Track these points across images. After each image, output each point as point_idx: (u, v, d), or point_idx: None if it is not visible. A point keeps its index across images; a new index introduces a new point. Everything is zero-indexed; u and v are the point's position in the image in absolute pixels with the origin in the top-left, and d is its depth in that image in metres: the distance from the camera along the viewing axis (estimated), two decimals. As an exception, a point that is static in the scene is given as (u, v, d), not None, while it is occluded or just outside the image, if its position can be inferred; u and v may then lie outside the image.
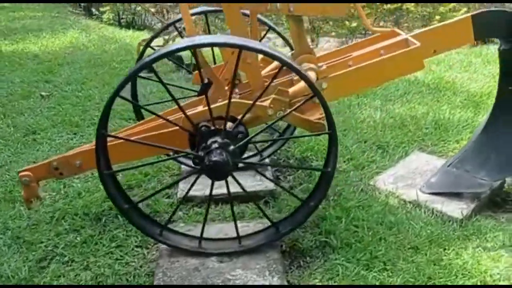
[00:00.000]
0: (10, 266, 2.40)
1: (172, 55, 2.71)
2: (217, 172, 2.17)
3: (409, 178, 3.07)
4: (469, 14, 2.56)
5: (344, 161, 3.34)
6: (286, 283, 2.24)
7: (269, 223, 2.44)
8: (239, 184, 2.34)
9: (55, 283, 2.31)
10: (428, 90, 4.65)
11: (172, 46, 2.11)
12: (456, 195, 2.84)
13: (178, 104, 2.25)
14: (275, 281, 2.23)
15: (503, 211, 2.87)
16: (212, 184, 2.33)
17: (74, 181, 3.09)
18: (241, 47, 2.07)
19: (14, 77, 5.15)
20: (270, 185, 2.93)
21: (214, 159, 2.13)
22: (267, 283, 2.22)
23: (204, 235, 2.44)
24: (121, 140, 2.27)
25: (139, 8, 8.56)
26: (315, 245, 2.51)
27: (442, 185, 2.89)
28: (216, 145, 2.18)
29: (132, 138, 2.29)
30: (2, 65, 5.58)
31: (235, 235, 2.43)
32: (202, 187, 2.91)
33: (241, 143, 2.23)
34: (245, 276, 2.27)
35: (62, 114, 4.10)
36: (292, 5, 2.44)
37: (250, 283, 2.22)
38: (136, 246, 2.54)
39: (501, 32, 2.64)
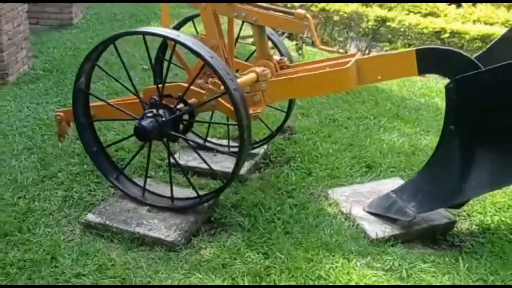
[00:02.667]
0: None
1: (122, 37, 2.96)
2: (140, 135, 2.71)
3: (365, 197, 3.20)
4: (414, 48, 2.66)
5: (322, 169, 3.57)
6: (179, 239, 2.71)
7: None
8: (170, 155, 2.89)
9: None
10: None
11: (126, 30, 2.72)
12: (392, 219, 2.93)
13: (130, 79, 2.87)
14: (172, 235, 2.72)
15: (434, 247, 2.88)
16: (169, 153, 2.93)
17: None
18: (172, 40, 2.59)
19: (134, 51, 6.28)
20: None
21: (141, 123, 2.69)
22: (166, 235, 2.72)
23: (152, 190, 3.04)
24: (103, 103, 2.99)
25: None
26: (231, 223, 2.92)
27: (378, 206, 2.99)
28: (150, 114, 2.74)
29: (109, 102, 2.99)
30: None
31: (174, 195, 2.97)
32: (191, 158, 3.54)
33: (171, 116, 2.74)
34: (155, 225, 2.80)
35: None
36: (256, 16, 2.86)
37: (154, 231, 2.75)
38: (110, 187, 3.23)
39: (443, 70, 2.66)
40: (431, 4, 8.32)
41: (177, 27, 3.74)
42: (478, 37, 6.18)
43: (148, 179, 3.16)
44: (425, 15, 7.84)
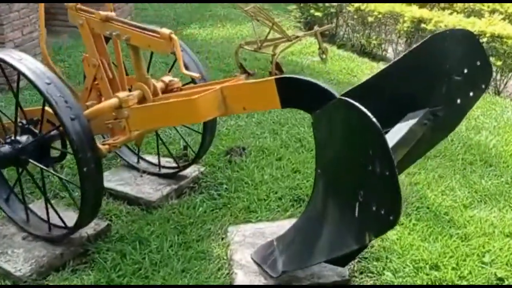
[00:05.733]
0: None
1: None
2: None
3: (265, 238, 2.73)
4: (273, 77, 2.17)
5: (244, 200, 3.16)
6: (29, 274, 2.53)
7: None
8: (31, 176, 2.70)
9: None
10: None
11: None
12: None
13: (17, 100, 2.71)
14: (23, 269, 2.55)
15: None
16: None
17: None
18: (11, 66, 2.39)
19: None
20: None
21: None
22: (17, 269, 2.55)
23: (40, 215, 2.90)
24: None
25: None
26: (100, 260, 2.67)
27: (258, 255, 2.53)
28: (9, 139, 2.58)
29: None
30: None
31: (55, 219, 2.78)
32: (116, 178, 3.37)
33: (26, 143, 2.54)
34: (16, 256, 2.64)
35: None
36: (127, 35, 2.56)
37: (10, 263, 2.60)
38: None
39: (304, 104, 2.14)
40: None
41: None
42: (524, 42, 5.14)
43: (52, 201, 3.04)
44: (479, 14, 6.79)
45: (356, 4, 6.70)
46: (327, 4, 7.21)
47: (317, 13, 7.47)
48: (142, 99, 2.61)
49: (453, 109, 2.32)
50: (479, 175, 3.52)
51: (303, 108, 2.23)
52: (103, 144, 2.56)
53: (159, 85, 2.70)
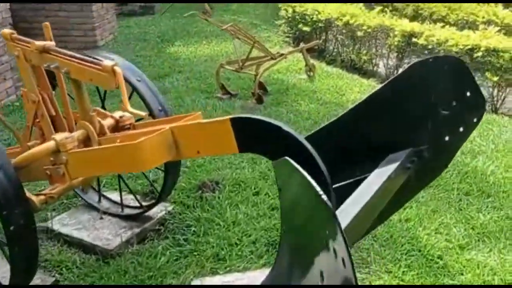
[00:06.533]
0: None
1: None
2: None
3: None
4: (229, 117, 1.83)
5: (214, 245, 2.81)
6: None
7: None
8: None
9: None
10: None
11: None
12: None
13: None
14: None
15: None
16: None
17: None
18: None
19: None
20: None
21: None
22: None
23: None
24: None
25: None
26: None
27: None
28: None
29: None
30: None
31: None
32: (73, 221, 3.03)
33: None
34: None
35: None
36: (67, 67, 2.23)
37: None
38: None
39: (264, 150, 1.79)
40: (490, 12, 6.90)
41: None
42: (522, 56, 4.81)
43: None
44: (473, 25, 6.49)
45: (345, 18, 6.39)
46: (314, 19, 6.91)
47: (305, 28, 7.17)
48: (87, 140, 2.27)
49: (441, 147, 1.98)
50: (477, 208, 3.17)
51: (263, 154, 1.89)
52: (38, 195, 2.22)
53: (107, 122, 2.36)
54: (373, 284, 2.50)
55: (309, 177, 1.23)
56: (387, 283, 2.49)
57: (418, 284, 2.48)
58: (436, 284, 2.49)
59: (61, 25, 7.36)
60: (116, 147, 1.99)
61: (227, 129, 1.83)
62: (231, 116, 1.82)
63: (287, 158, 1.37)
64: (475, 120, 1.99)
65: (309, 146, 1.71)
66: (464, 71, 1.92)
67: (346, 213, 1.57)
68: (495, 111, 5.13)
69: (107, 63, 2.09)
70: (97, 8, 7.50)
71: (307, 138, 1.82)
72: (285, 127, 1.74)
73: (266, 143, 1.79)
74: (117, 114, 2.43)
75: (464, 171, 3.59)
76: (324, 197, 1.16)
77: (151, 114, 2.63)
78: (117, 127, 2.41)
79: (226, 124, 1.83)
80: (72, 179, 2.19)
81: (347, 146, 1.89)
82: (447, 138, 1.97)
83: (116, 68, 2.07)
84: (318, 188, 1.18)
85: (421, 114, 1.92)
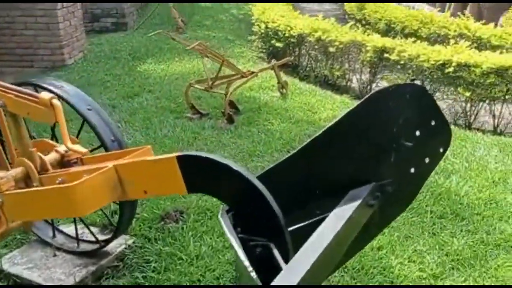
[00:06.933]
0: None
1: None
2: None
3: None
4: (175, 154, 1.67)
5: (176, 283, 2.63)
6: None
7: None
8: None
9: None
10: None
11: None
12: None
13: None
14: None
15: None
16: None
17: None
18: None
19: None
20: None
21: None
22: None
23: None
24: None
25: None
26: None
27: None
28: None
29: None
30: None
31: None
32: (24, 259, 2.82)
33: None
34: None
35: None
36: (2, 100, 2.05)
37: None
38: None
39: (213, 191, 1.64)
40: (462, 25, 6.90)
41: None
42: (493, 71, 4.77)
43: None
44: (446, 39, 6.48)
45: (317, 34, 6.31)
46: (287, 35, 6.82)
47: (278, 44, 7.08)
48: (27, 179, 2.09)
49: (406, 180, 1.85)
50: (451, 233, 3.05)
51: (213, 195, 1.73)
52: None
53: (51, 157, 2.18)
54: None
55: (239, 250, 1.09)
56: (357, 320, 2.34)
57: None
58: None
59: (28, 44, 7.15)
60: (51, 190, 1.81)
61: (173, 167, 1.67)
62: (177, 154, 1.66)
63: (220, 219, 1.22)
64: (441, 150, 1.87)
65: (260, 186, 1.56)
66: (427, 99, 1.80)
67: (300, 263, 1.42)
68: (469, 126, 5.07)
69: (45, 95, 1.92)
70: (65, 26, 7.30)
71: (260, 177, 1.67)
72: (235, 166, 1.59)
73: (215, 184, 1.64)
74: (62, 148, 2.24)
75: (437, 192, 3.48)
76: (253, 274, 1.01)
77: (103, 146, 2.46)
78: (63, 162, 2.23)
79: (173, 162, 1.67)
80: (10, 222, 2.00)
81: (305, 184, 1.74)
82: (412, 170, 1.84)
83: (54, 102, 1.90)
84: (247, 263, 1.03)
85: (383, 146, 1.79)
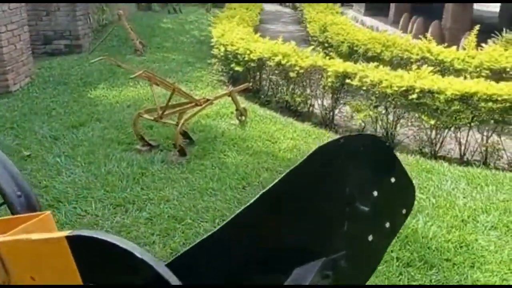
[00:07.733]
0: None
1: None
2: None
3: None
4: (66, 232, 1.29)
5: None
6: None
7: None
8: None
9: None
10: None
11: None
12: None
13: None
14: None
15: None
16: None
17: None
18: None
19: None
20: None
21: None
22: None
23: None
24: None
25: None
26: None
27: None
28: None
29: None
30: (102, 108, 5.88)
31: None
32: None
33: None
34: None
35: None
36: None
37: None
38: None
39: (111, 278, 1.27)
40: (424, 48, 6.76)
41: None
42: (457, 98, 4.56)
43: None
44: (409, 63, 6.31)
45: (277, 58, 6.03)
46: (246, 58, 6.52)
47: (237, 68, 6.77)
48: None
49: (364, 250, 1.52)
50: (419, 284, 2.74)
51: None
52: None
53: None
54: None
55: None
56: None
57: None
58: None
59: (-32, 69, 6.64)
60: None
61: (64, 250, 1.28)
62: (67, 233, 1.28)
63: None
64: (404, 211, 1.56)
65: (170, 278, 1.19)
66: (385, 152, 1.49)
67: None
68: (434, 155, 4.84)
69: None
70: (10, 50, 6.81)
71: (176, 260, 1.30)
72: (140, 254, 1.21)
73: (115, 273, 1.26)
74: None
75: (404, 234, 3.17)
76: None
77: (6, 203, 2.04)
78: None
79: (62, 244, 1.28)
80: None
81: (234, 264, 1.37)
82: (370, 238, 1.51)
83: None
84: None
85: (333, 212, 1.45)
